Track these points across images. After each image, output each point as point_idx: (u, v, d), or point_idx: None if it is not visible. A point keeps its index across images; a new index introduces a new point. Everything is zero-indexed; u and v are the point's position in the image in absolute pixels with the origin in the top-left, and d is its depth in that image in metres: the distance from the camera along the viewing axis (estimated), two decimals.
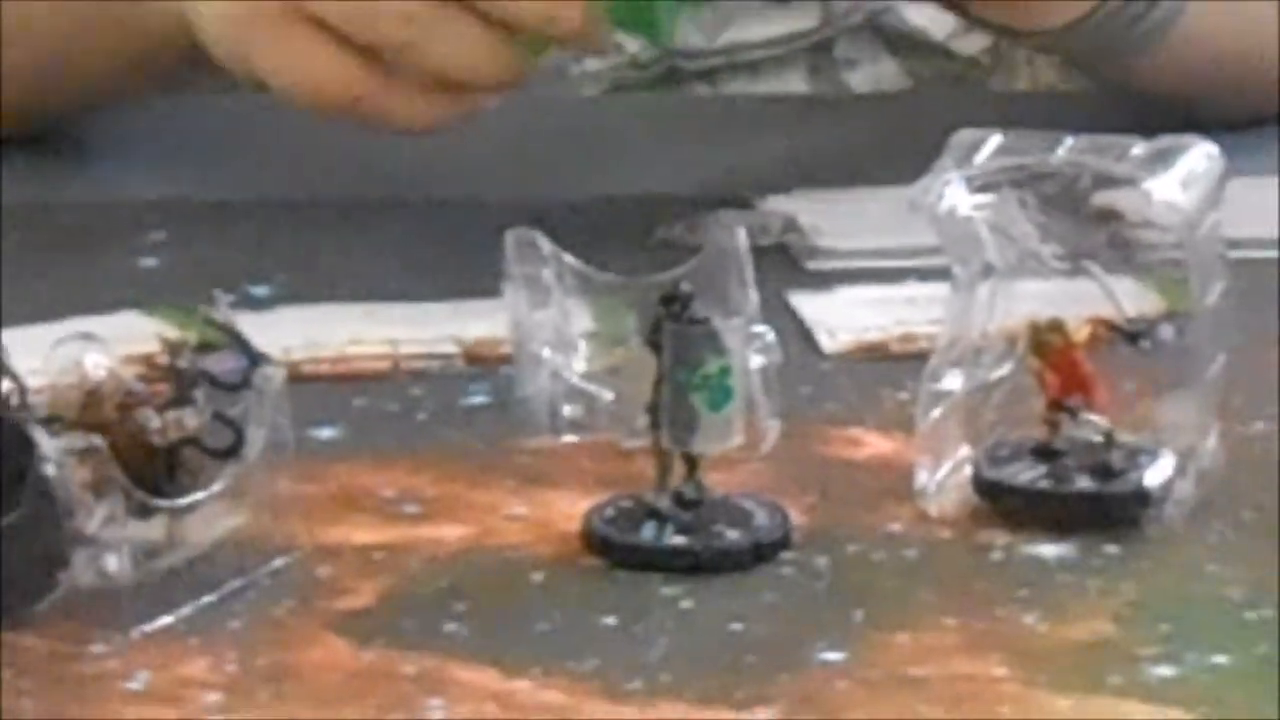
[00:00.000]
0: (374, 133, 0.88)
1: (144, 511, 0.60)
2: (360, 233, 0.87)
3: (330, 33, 0.85)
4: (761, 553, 0.63)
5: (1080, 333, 0.65)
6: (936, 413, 0.65)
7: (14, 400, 0.60)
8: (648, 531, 0.63)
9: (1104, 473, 0.65)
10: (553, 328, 0.68)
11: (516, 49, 0.85)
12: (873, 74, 1.09)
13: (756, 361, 0.64)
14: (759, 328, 0.64)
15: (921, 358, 0.67)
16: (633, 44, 1.03)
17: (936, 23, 1.08)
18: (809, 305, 0.79)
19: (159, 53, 0.99)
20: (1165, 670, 0.57)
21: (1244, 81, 0.98)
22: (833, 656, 0.58)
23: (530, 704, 0.56)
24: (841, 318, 0.78)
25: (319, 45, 0.85)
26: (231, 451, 0.61)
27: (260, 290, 0.80)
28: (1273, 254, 0.82)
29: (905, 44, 1.09)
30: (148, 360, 0.62)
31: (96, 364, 0.62)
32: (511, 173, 0.88)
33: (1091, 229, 0.66)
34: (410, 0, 0.84)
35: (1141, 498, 0.64)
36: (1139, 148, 0.65)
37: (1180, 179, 0.64)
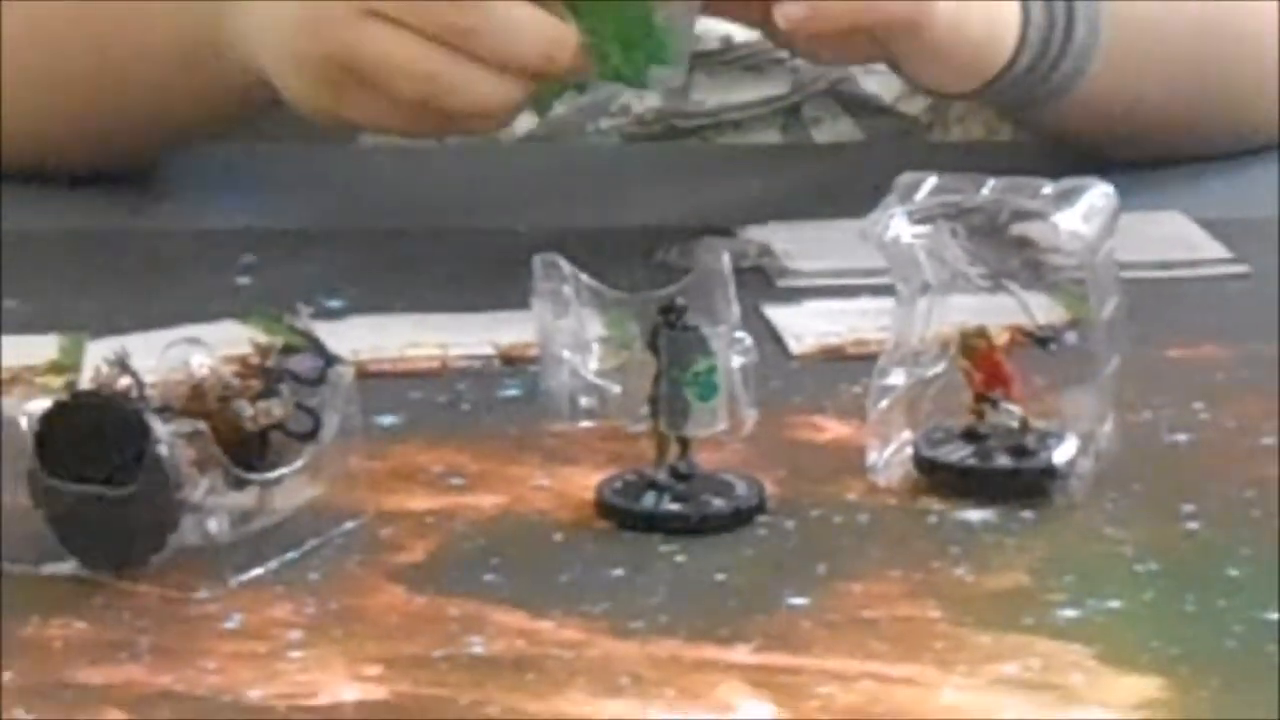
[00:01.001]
0: (450, 127, 0.87)
1: (239, 484, 0.60)
2: (414, 256, 0.87)
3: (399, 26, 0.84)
4: (741, 517, 0.63)
5: (1000, 338, 0.65)
6: (884, 404, 0.65)
7: (133, 393, 0.59)
8: (648, 500, 0.63)
9: (1020, 452, 0.64)
10: (571, 334, 0.68)
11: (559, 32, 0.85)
12: (833, 130, 1.08)
13: (737, 361, 0.64)
14: (739, 334, 0.64)
15: (872, 358, 0.67)
16: (639, 105, 1.02)
17: (885, 89, 1.07)
18: (780, 315, 0.79)
19: (242, 103, 0.98)
20: (1070, 612, 0.57)
21: (1143, 127, 0.98)
22: (799, 601, 0.58)
23: (551, 640, 0.56)
24: (806, 326, 0.78)
25: (391, 41, 0.84)
26: (310, 435, 0.61)
27: (334, 303, 0.80)
28: (1158, 274, 0.82)
29: (859, 106, 1.08)
30: (242, 360, 0.61)
31: (200, 363, 0.61)
32: (538, 207, 0.88)
33: (1010, 254, 0.66)
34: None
35: (1050, 473, 0.64)
36: (1048, 188, 0.65)
37: (1082, 213, 0.64)
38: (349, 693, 0.53)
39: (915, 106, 1.09)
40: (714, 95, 1.05)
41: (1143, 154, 0.97)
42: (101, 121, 1.02)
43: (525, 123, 1.03)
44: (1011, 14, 0.90)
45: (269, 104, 0.96)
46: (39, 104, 1.02)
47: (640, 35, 0.85)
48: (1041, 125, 1.00)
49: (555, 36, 0.83)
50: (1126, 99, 0.97)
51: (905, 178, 0.65)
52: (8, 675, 0.54)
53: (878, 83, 1.07)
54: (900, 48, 0.90)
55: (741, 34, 1.04)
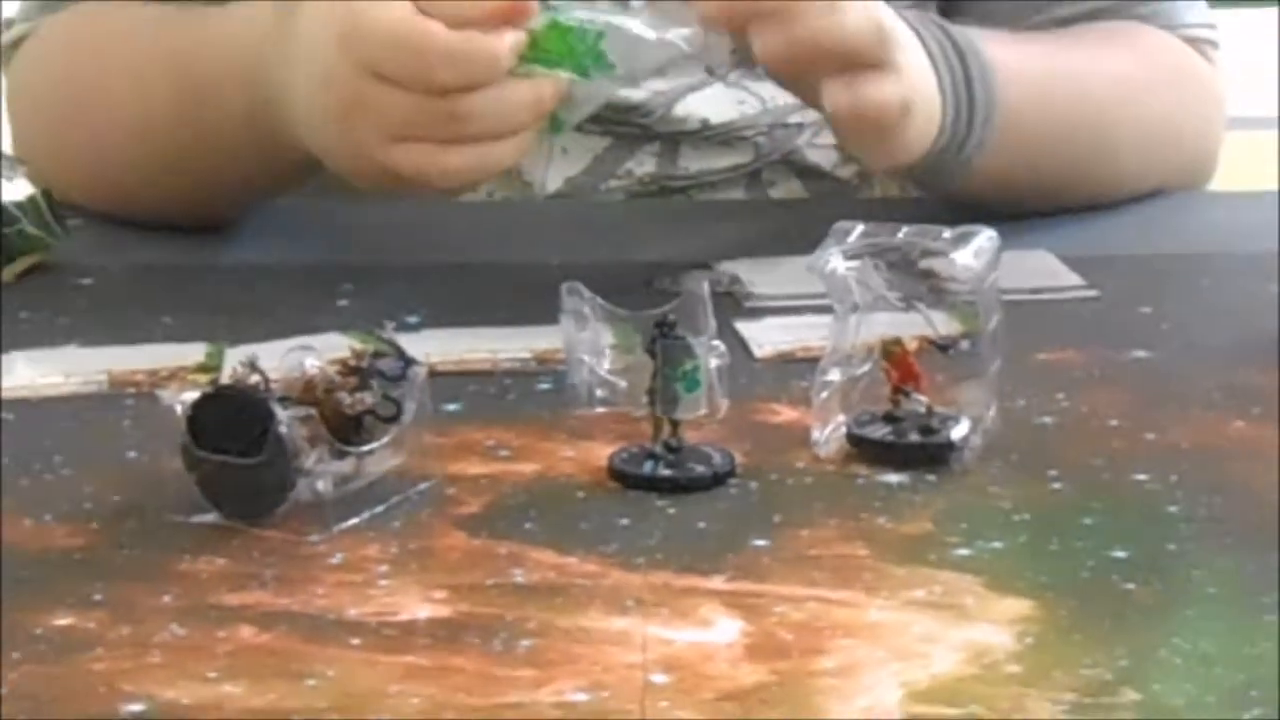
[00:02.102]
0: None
1: (340, 455, 0.60)
2: (472, 284, 0.87)
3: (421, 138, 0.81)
4: (717, 480, 0.63)
5: (912, 345, 0.65)
6: (824, 395, 0.65)
7: (261, 387, 0.59)
8: (647, 467, 0.63)
9: (926, 431, 0.64)
10: (590, 342, 0.68)
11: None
12: (785, 189, 1.08)
13: (714, 363, 0.64)
14: (715, 342, 0.64)
15: (815, 361, 0.66)
16: (639, 170, 1.01)
17: (825, 160, 1.07)
18: (746, 329, 0.79)
19: (307, 171, 0.94)
20: (963, 551, 0.57)
21: (1019, 193, 0.97)
22: (760, 543, 0.58)
23: (575, 572, 0.56)
24: (766, 336, 0.78)
25: (417, 154, 0.81)
26: (393, 418, 0.61)
27: (411, 319, 0.80)
28: (1029, 297, 0.82)
29: (806, 171, 1.08)
30: (343, 362, 0.61)
31: (311, 364, 0.61)
32: (564, 247, 0.88)
33: (918, 282, 0.65)
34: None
35: (949, 446, 0.64)
36: (947, 232, 0.65)
37: (973, 252, 0.64)
38: (422, 612, 0.53)
39: (848, 173, 1.08)
40: (695, 163, 1.05)
41: (1018, 210, 0.96)
42: (188, 189, 0.99)
43: (553, 184, 1.03)
44: (936, 110, 0.88)
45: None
46: (139, 175, 0.99)
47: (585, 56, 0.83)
48: (941, 190, 0.98)
49: (538, 93, 0.80)
50: (1006, 175, 0.96)
51: (840, 225, 0.65)
52: (167, 598, 0.54)
53: (820, 155, 1.06)
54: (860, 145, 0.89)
55: (716, 117, 1.04)
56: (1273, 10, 3.57)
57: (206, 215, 1.03)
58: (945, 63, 0.89)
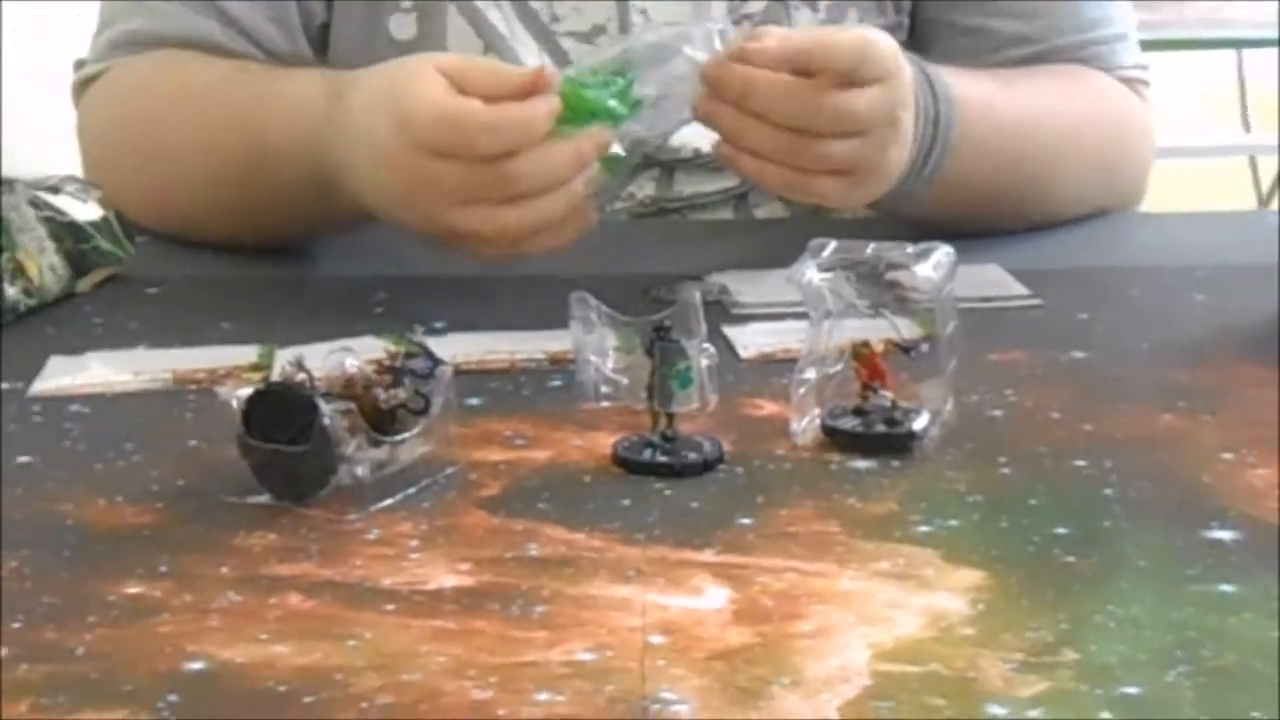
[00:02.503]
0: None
1: (376, 444, 0.60)
2: (491, 294, 0.87)
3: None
4: (708, 465, 0.63)
5: (878, 347, 0.65)
6: (801, 391, 0.65)
7: (307, 384, 0.59)
8: (646, 454, 0.63)
9: (891, 423, 0.64)
10: (596, 345, 0.68)
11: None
12: (768, 210, 1.08)
13: (705, 363, 0.64)
14: (706, 345, 0.64)
15: (793, 361, 0.66)
16: (640, 193, 1.01)
17: None
18: (733, 333, 0.79)
19: (359, 219, 0.92)
20: (924, 528, 0.57)
21: (982, 214, 0.97)
22: (745, 521, 0.58)
23: (583, 546, 0.56)
24: (750, 340, 0.78)
25: (474, 217, 0.81)
26: (423, 411, 0.61)
27: (439, 324, 0.80)
28: (981, 305, 0.82)
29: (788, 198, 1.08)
30: (378, 362, 0.61)
31: (351, 364, 0.61)
32: (574, 260, 0.87)
33: (884, 292, 0.65)
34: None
35: (911, 436, 0.64)
36: (910, 248, 0.65)
37: (932, 265, 0.64)
38: (449, 581, 0.53)
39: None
40: (689, 187, 1.05)
41: (970, 230, 0.96)
42: (252, 229, 0.98)
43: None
44: (903, 165, 0.87)
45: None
46: (206, 215, 0.98)
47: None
48: (895, 212, 0.96)
49: (577, 148, 0.79)
50: (957, 203, 0.95)
51: (815, 242, 0.65)
52: (224, 569, 0.54)
53: None
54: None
55: (708, 146, 1.03)
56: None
57: (268, 245, 1.03)
58: (921, 106, 0.88)
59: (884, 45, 0.83)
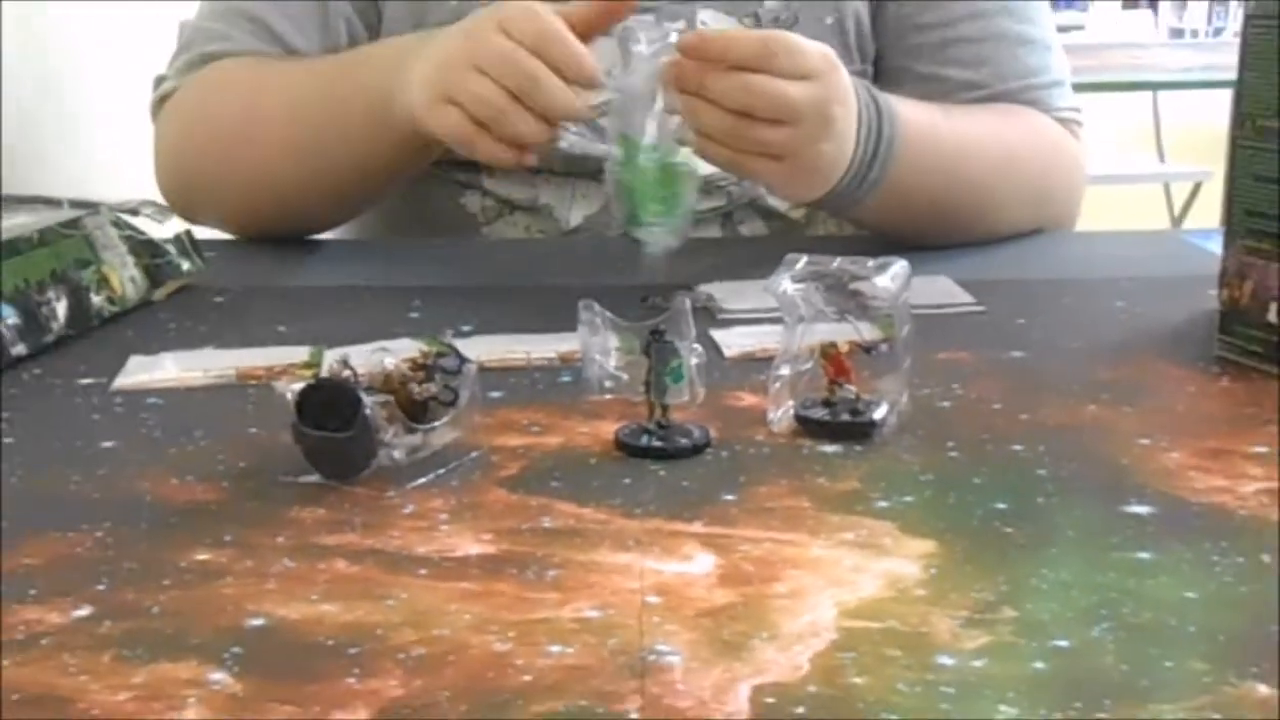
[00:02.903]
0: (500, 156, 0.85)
1: (411, 431, 0.60)
2: (512, 301, 0.87)
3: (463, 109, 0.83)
4: (697, 449, 0.63)
5: (844, 347, 0.65)
6: (777, 385, 0.65)
7: (351, 379, 0.59)
8: (643, 440, 0.63)
9: (854, 413, 0.64)
10: (600, 346, 0.68)
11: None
12: (750, 228, 1.08)
13: (694, 361, 0.63)
14: (696, 346, 0.64)
15: (770, 359, 0.66)
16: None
17: (782, 205, 1.06)
18: (719, 335, 0.79)
19: (407, 150, 0.94)
20: (882, 504, 0.57)
21: (925, 226, 0.97)
22: (729, 497, 0.58)
23: (589, 520, 0.56)
24: (734, 341, 0.78)
25: (480, 85, 0.82)
26: (452, 403, 0.61)
27: (466, 327, 0.80)
28: (932, 312, 0.82)
29: (766, 213, 1.08)
30: (413, 361, 0.61)
31: (390, 362, 0.61)
32: (581, 273, 0.87)
33: (849, 300, 0.65)
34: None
35: (872, 424, 0.64)
36: (871, 262, 0.64)
37: (890, 276, 0.64)
38: (473, 549, 0.53)
39: (798, 214, 1.08)
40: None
41: (918, 241, 0.96)
42: (329, 187, 1.00)
43: (575, 220, 1.03)
44: (847, 158, 0.88)
45: (423, 155, 0.95)
46: (290, 181, 0.99)
47: (659, 195, 0.84)
48: (837, 214, 0.98)
49: (571, 103, 0.81)
50: (898, 214, 0.96)
51: (789, 256, 0.65)
52: (280, 539, 0.54)
53: (777, 200, 1.06)
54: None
55: (700, 171, 1.03)
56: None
57: (341, 211, 1.04)
58: (864, 119, 0.89)
59: (816, 47, 0.84)
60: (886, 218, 0.95)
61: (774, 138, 0.82)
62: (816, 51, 0.83)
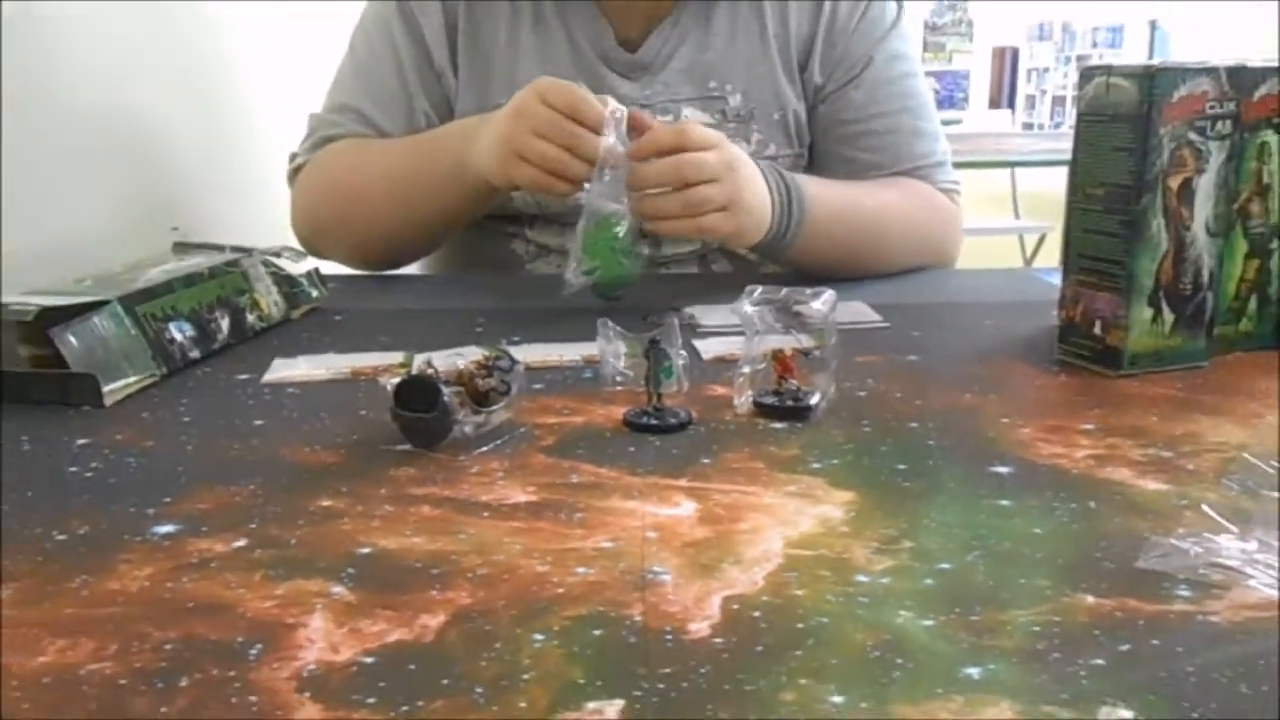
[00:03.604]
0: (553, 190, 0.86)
1: (476, 413, 0.60)
2: (549, 319, 0.86)
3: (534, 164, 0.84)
4: (682, 426, 0.62)
5: (789, 353, 0.65)
6: (741, 379, 0.65)
7: (433, 375, 0.59)
8: (644, 419, 0.63)
9: (796, 400, 0.64)
10: (613, 351, 0.68)
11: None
12: (720, 266, 1.08)
13: (681, 362, 0.63)
14: (682, 351, 0.64)
15: (736, 361, 0.66)
16: (644, 253, 1.00)
17: (740, 249, 1.07)
18: (699, 344, 0.78)
19: (479, 197, 0.95)
20: (816, 465, 0.57)
21: (826, 269, 0.97)
22: (706, 461, 0.58)
23: (605, 478, 0.56)
24: (709, 348, 0.78)
25: (537, 149, 0.84)
26: (506, 392, 0.61)
27: (516, 338, 0.80)
28: (851, 326, 0.82)
29: (731, 256, 1.08)
30: (478, 362, 0.61)
31: (461, 363, 0.61)
32: (599, 300, 0.87)
33: (792, 318, 0.65)
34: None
35: (808, 409, 0.64)
36: (808, 291, 0.64)
37: (821, 302, 0.64)
38: (522, 497, 0.53)
39: (755, 257, 1.08)
40: (669, 249, 1.05)
41: (829, 277, 0.97)
42: (415, 228, 1.00)
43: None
44: (767, 217, 0.90)
45: (487, 200, 0.95)
46: (392, 227, 1.00)
47: (615, 262, 0.86)
48: (773, 260, 0.98)
49: (599, 148, 0.83)
50: (817, 256, 0.96)
51: (749, 287, 0.65)
52: (382, 490, 0.54)
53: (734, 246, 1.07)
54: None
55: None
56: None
57: (427, 245, 1.06)
58: (777, 190, 0.92)
59: (704, 130, 0.86)
60: (807, 260, 0.97)
61: (711, 192, 0.84)
62: (712, 132, 0.87)
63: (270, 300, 0.87)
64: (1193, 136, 0.69)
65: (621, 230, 0.85)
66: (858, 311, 0.88)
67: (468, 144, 0.91)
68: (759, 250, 0.95)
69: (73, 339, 0.68)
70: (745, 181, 0.87)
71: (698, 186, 0.83)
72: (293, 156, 1.07)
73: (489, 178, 0.89)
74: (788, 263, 0.98)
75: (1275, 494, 0.52)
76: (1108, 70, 0.70)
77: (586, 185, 0.85)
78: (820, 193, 0.95)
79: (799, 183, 0.94)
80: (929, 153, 1.06)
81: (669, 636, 0.40)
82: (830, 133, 1.05)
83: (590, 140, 0.83)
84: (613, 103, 0.85)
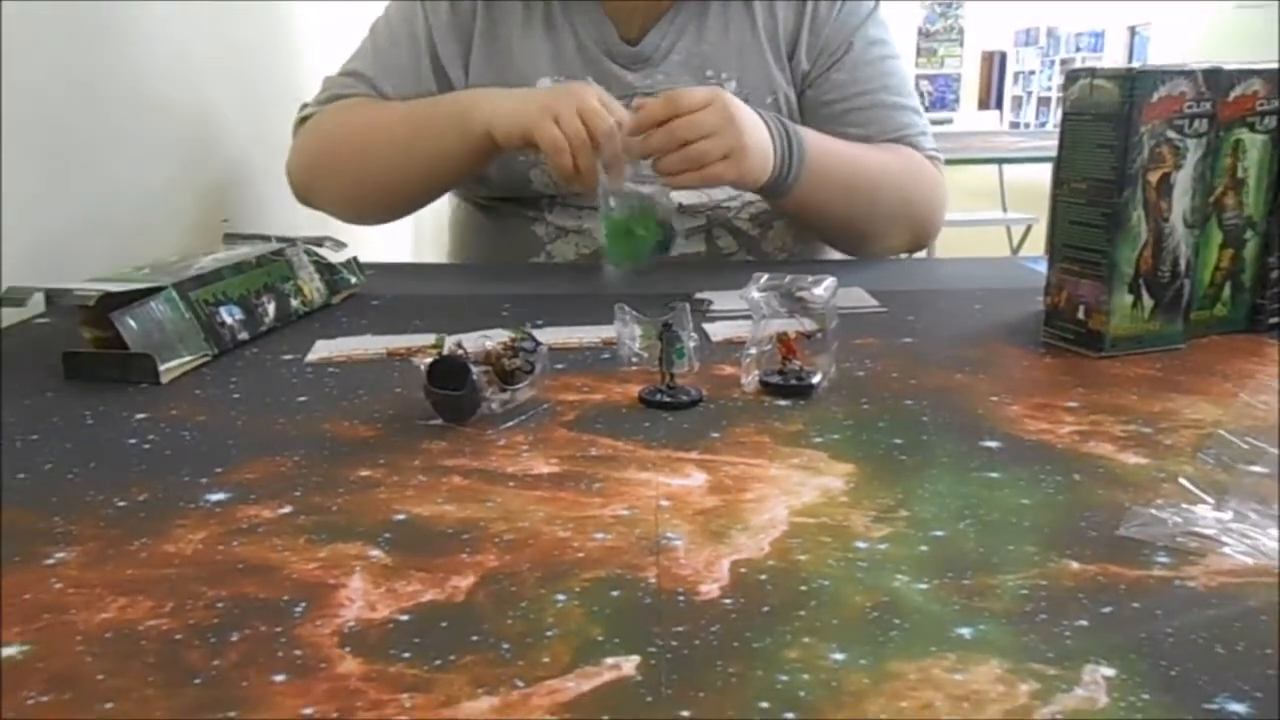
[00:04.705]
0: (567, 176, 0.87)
1: (503, 390, 0.59)
2: (571, 304, 0.86)
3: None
4: (693, 403, 0.62)
5: (793, 335, 0.64)
6: (748, 360, 0.65)
7: (464, 357, 0.59)
8: (658, 396, 0.62)
9: (799, 379, 0.64)
10: (629, 334, 0.67)
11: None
12: (725, 241, 1.07)
13: (692, 344, 0.63)
14: (693, 334, 0.64)
15: (743, 343, 0.66)
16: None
17: (743, 225, 1.06)
18: (709, 326, 0.78)
19: (482, 153, 0.94)
20: (818, 439, 0.57)
21: (830, 216, 0.97)
22: (715, 435, 0.58)
23: (622, 449, 0.55)
24: (719, 330, 0.78)
25: (551, 130, 0.86)
26: (531, 371, 0.61)
27: (539, 322, 0.79)
28: (851, 311, 0.81)
29: (735, 230, 1.07)
30: (504, 343, 0.61)
31: (490, 344, 0.61)
32: (616, 287, 0.87)
33: (795, 303, 0.65)
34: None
35: (811, 387, 0.63)
36: (810, 278, 0.64)
37: (823, 288, 0.63)
38: (545, 469, 0.53)
39: (756, 232, 1.08)
40: (679, 225, 1.05)
41: (827, 234, 0.97)
42: (406, 175, 0.99)
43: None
44: (770, 158, 0.90)
45: (484, 159, 0.95)
46: (386, 181, 1.00)
47: (630, 244, 0.87)
48: (779, 204, 0.97)
49: (614, 155, 0.85)
50: (817, 204, 0.96)
51: (756, 274, 0.65)
52: (416, 461, 0.54)
53: (741, 222, 1.07)
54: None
55: (688, 201, 1.04)
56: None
57: (421, 197, 1.05)
58: (778, 133, 0.92)
59: (694, 91, 0.87)
60: (809, 208, 0.96)
61: (709, 146, 0.85)
62: (703, 91, 0.87)
63: (313, 286, 0.87)
64: (1171, 134, 0.68)
65: (631, 204, 0.86)
66: (857, 297, 0.88)
67: (478, 99, 0.93)
68: (766, 192, 0.95)
69: (131, 322, 0.68)
70: (745, 129, 0.87)
71: (697, 143, 0.85)
72: (302, 107, 1.08)
73: (503, 128, 0.90)
74: (793, 209, 0.98)
75: (1248, 467, 0.52)
76: (1091, 73, 0.69)
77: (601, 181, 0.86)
78: (817, 138, 0.96)
79: (796, 127, 0.94)
80: (911, 124, 1.06)
81: (681, 598, 0.40)
82: (818, 113, 1.05)
83: (611, 149, 0.85)
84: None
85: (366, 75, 1.04)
